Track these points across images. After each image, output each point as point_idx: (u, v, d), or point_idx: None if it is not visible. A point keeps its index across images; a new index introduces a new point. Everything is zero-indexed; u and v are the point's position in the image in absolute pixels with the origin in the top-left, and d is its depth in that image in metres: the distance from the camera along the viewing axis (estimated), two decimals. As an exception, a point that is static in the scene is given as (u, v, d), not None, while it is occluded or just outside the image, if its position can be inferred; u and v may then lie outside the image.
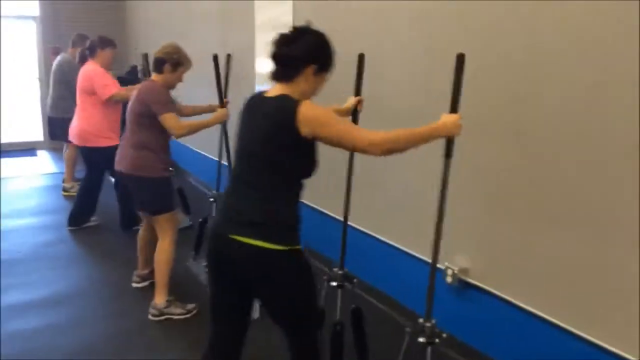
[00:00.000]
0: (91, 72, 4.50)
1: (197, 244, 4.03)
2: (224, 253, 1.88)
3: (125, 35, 8.70)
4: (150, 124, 3.09)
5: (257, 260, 1.84)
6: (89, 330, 3.15)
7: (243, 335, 2.07)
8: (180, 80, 3.26)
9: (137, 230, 3.69)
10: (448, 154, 1.96)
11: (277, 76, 1.89)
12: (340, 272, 2.48)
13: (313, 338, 2.06)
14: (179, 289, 3.42)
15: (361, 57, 2.37)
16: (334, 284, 2.48)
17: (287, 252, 1.84)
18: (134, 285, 3.66)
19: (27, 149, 8.45)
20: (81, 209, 4.84)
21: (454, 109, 1.91)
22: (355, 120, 2.40)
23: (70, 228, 4.82)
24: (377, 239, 3.43)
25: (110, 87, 4.43)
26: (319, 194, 3.50)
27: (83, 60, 4.69)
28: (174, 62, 3.16)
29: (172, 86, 3.24)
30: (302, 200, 1.92)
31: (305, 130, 1.77)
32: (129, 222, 4.69)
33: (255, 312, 2.57)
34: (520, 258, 2.48)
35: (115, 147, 3.47)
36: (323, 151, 1.90)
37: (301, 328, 2.02)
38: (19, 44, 8.61)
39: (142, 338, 3.07)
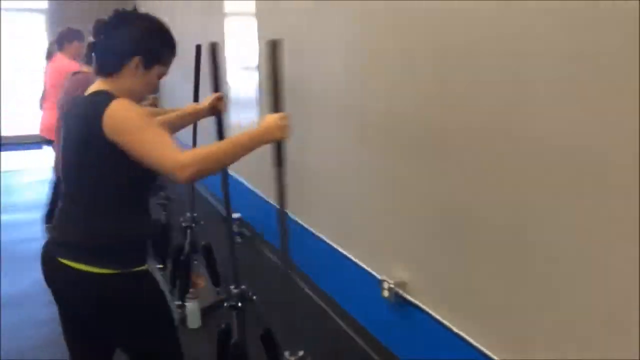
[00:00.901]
0: (65, 67, 4.39)
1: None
2: (51, 278, 1.67)
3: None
4: None
5: (79, 287, 1.61)
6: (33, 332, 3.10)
7: None
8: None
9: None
10: (278, 162, 1.69)
11: (98, 70, 1.64)
12: (235, 290, 2.23)
13: None
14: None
15: (213, 46, 2.10)
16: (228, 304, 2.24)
17: (116, 277, 1.60)
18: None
19: (35, 142, 8.50)
20: (54, 208, 4.78)
21: (276, 107, 1.65)
22: (220, 124, 2.13)
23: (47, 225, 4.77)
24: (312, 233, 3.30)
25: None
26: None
27: (50, 55, 4.61)
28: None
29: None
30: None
31: (110, 135, 1.51)
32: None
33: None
34: (459, 278, 2.18)
35: None
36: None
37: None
38: (28, 37, 8.66)
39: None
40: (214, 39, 4.51)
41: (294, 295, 2.30)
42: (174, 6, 6.33)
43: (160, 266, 3.67)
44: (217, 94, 2.14)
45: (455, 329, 2.15)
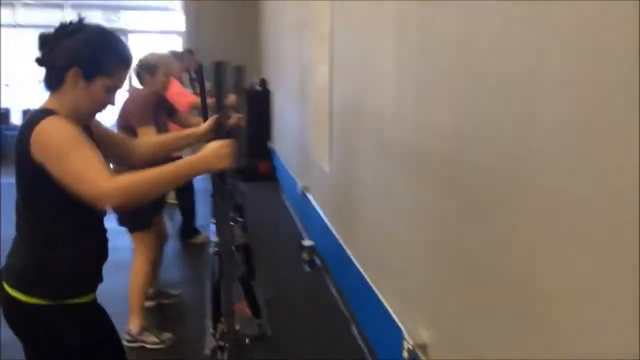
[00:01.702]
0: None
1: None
2: None
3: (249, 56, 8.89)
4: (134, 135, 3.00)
5: (11, 314, 1.57)
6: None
7: None
8: (164, 85, 3.24)
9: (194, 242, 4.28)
10: (219, 193, 1.56)
11: (44, 86, 1.56)
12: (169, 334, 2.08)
13: None
14: (166, 314, 3.29)
15: (218, 65, 1.91)
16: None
17: (46, 308, 1.53)
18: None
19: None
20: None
21: (217, 132, 1.55)
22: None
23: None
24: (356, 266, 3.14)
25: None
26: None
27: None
28: (150, 69, 3.15)
29: (158, 92, 3.22)
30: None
31: (36, 158, 1.43)
32: (187, 233, 4.80)
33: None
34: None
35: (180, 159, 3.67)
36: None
37: None
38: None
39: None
40: (305, 63, 4.51)
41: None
42: (280, 33, 6.45)
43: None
44: (216, 117, 2.01)
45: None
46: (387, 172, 2.70)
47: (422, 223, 2.27)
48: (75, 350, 1.60)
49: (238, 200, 5.32)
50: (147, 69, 3.09)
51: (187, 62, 6.00)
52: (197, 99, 4.42)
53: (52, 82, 1.54)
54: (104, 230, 1.71)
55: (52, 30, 1.54)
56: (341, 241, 3.57)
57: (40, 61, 1.54)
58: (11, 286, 1.54)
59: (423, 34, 2.19)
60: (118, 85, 1.60)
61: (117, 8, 9.58)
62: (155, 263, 3.42)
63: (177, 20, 9.03)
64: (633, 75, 1.04)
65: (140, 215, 3.08)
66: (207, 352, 3.00)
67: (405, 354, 2.25)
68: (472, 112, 1.79)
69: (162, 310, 3.49)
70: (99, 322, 1.67)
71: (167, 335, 3.13)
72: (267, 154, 7.58)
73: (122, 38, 1.67)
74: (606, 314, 1.17)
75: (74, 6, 9.01)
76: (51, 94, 1.56)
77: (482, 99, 1.72)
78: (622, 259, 1.11)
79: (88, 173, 1.39)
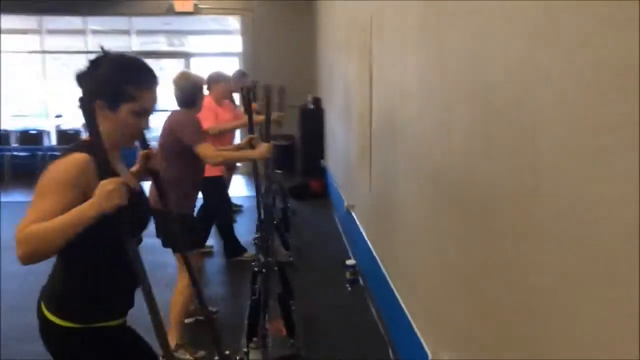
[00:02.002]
0: (205, 106, 4.74)
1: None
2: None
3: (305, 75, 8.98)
4: (177, 156, 3.07)
5: (46, 334, 1.67)
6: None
7: None
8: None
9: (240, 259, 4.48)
10: (124, 231, 1.52)
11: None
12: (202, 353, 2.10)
13: None
14: (204, 331, 3.33)
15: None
16: None
17: (66, 330, 1.61)
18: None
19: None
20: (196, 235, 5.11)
21: (103, 170, 1.51)
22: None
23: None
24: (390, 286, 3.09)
25: (206, 122, 4.60)
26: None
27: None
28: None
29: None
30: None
31: None
32: (231, 251, 4.86)
33: None
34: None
35: (219, 178, 4.22)
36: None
37: None
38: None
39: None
40: (350, 80, 4.50)
41: None
42: (331, 52, 6.49)
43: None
44: (143, 152, 1.97)
45: None
46: (411, 190, 2.65)
47: (441, 247, 2.20)
48: None
49: (284, 219, 5.37)
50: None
51: (238, 83, 6.13)
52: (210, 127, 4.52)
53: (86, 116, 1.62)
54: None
55: (85, 67, 1.63)
56: (379, 261, 3.53)
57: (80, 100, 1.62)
58: (47, 308, 1.64)
59: (441, 57, 2.15)
60: (147, 108, 1.65)
61: (181, 33, 9.94)
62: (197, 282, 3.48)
63: (236, 42, 9.28)
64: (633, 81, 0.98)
65: (190, 236, 3.19)
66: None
67: (427, 379, 2.19)
68: (484, 133, 1.73)
69: (200, 328, 3.54)
70: (126, 343, 1.75)
71: (201, 354, 3.17)
72: (320, 172, 7.62)
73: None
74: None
75: (139, 32, 9.44)
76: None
77: (492, 116, 1.66)
78: None
79: (27, 216, 1.43)
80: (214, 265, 4.87)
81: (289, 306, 3.27)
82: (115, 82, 1.59)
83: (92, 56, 1.63)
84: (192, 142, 3.03)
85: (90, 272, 1.66)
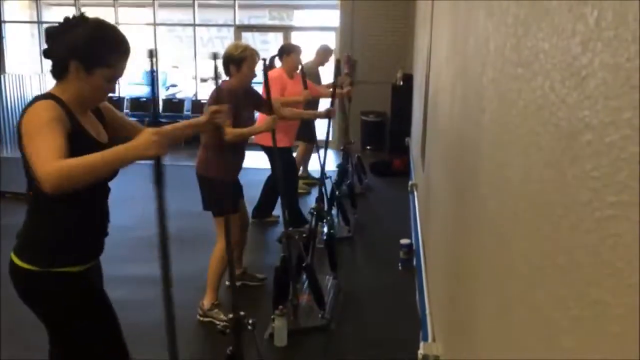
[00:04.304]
0: (274, 77, 4.80)
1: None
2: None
3: (397, 52, 8.77)
4: None
5: (10, 276, 1.78)
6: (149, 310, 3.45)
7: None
8: (249, 77, 3.29)
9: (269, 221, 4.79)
10: (157, 179, 1.54)
11: (51, 75, 1.73)
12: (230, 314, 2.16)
13: None
14: (246, 295, 3.46)
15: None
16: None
17: (35, 274, 1.72)
18: (226, 283, 3.83)
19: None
20: (264, 204, 5.25)
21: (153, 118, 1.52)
22: None
23: (252, 220, 5.28)
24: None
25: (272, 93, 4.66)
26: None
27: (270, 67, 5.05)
28: (236, 61, 3.20)
29: (242, 86, 3.32)
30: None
31: (22, 133, 1.59)
32: (292, 222, 4.95)
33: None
34: None
35: (287, 149, 4.37)
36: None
37: None
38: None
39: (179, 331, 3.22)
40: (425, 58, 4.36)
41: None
42: (418, 29, 6.28)
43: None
44: (214, 107, 2.09)
45: None
46: (439, 179, 2.55)
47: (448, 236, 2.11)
48: (76, 321, 1.80)
49: (350, 194, 5.37)
50: (234, 61, 3.24)
51: (322, 58, 6.16)
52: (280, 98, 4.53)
53: (57, 73, 1.72)
54: (102, 208, 1.88)
55: (56, 24, 1.71)
56: (421, 242, 3.44)
57: (45, 53, 1.73)
58: (13, 249, 1.78)
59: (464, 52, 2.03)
60: (118, 75, 1.74)
61: (283, 7, 10.13)
62: (239, 246, 3.60)
63: (335, 17, 9.29)
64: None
65: (218, 201, 3.29)
66: (266, 335, 3.13)
67: (417, 364, 2.12)
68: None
69: (243, 292, 3.66)
70: (86, 290, 1.84)
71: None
72: (405, 150, 7.48)
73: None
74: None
75: (242, 7, 9.73)
76: (57, 83, 1.74)
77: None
78: None
79: (40, 155, 1.51)
80: (277, 234, 4.99)
81: (315, 278, 3.29)
82: (95, 48, 1.68)
83: (68, 17, 1.72)
84: None
85: (57, 218, 1.74)
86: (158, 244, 1.58)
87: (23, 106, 1.73)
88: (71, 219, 1.78)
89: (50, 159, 1.48)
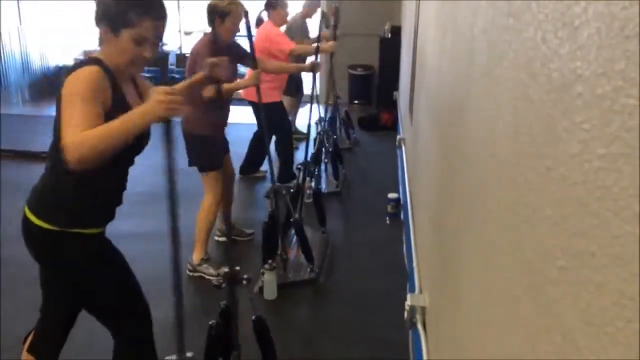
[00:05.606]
0: (267, 34, 4.71)
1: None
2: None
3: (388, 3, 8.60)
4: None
5: (24, 233, 1.79)
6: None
7: (68, 321, 1.98)
8: (233, 31, 3.23)
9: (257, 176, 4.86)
10: (167, 139, 1.55)
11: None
12: (225, 269, 2.17)
13: (133, 335, 1.91)
14: (234, 250, 3.47)
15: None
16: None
17: (51, 232, 1.72)
18: (215, 238, 3.85)
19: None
20: (251, 160, 5.23)
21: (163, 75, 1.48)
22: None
23: (239, 176, 5.27)
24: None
25: (287, 45, 4.58)
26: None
27: (259, 22, 4.94)
28: (220, 13, 3.14)
29: (225, 39, 3.25)
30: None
31: (62, 94, 1.60)
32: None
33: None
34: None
35: (279, 103, 4.39)
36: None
37: (111, 323, 1.89)
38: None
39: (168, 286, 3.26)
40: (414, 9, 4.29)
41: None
42: None
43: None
44: (211, 60, 2.07)
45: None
46: (427, 134, 2.54)
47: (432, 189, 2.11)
48: (95, 277, 1.82)
49: (335, 149, 5.36)
50: (218, 14, 3.16)
51: (308, 9, 6.03)
52: (295, 46, 4.48)
53: (99, 38, 1.73)
54: (122, 175, 1.89)
55: None
56: (409, 195, 3.47)
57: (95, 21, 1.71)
58: (27, 205, 1.77)
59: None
60: (147, 37, 1.70)
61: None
62: (226, 200, 3.59)
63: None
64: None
65: (206, 157, 3.27)
66: (256, 289, 3.17)
67: (405, 315, 2.17)
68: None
69: (231, 247, 3.69)
70: (103, 252, 1.86)
71: (224, 270, 3.32)
72: (393, 104, 7.45)
73: None
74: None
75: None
76: (101, 48, 1.74)
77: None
78: None
79: (70, 124, 1.52)
80: (265, 190, 4.99)
81: (303, 232, 3.31)
82: (118, 7, 1.66)
83: None
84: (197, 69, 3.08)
85: (77, 180, 1.73)
86: (168, 205, 1.64)
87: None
88: (95, 184, 1.77)
89: (76, 132, 1.50)
